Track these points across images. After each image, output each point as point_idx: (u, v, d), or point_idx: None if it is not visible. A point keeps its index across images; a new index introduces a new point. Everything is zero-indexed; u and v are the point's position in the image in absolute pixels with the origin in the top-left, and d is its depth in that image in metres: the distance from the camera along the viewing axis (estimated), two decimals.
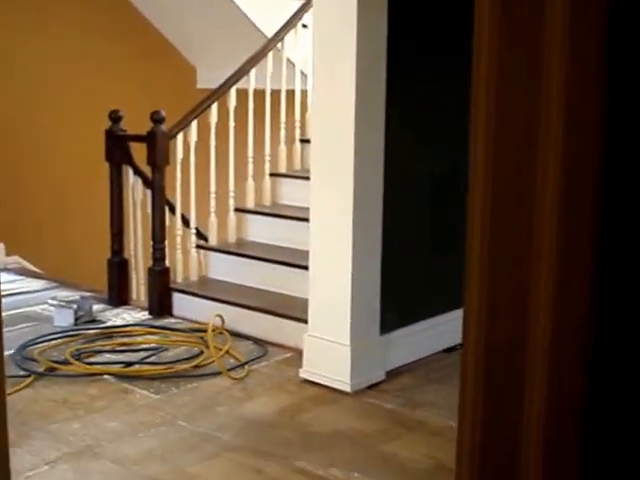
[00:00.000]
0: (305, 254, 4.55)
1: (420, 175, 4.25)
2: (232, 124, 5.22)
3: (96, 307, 5.12)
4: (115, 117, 5.13)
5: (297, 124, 5.60)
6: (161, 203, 5.04)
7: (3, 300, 5.41)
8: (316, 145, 4.00)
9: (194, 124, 5.08)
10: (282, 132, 5.52)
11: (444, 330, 4.43)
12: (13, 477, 3.10)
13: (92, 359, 4.33)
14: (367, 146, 3.87)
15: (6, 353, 4.33)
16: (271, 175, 5.53)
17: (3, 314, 5.16)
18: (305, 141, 5.63)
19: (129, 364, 4.26)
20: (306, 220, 4.71)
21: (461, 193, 4.46)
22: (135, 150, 5.15)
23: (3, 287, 5.72)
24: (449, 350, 4.48)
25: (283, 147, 5.57)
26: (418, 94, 4.15)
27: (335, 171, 3.90)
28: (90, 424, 3.59)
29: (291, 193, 5.49)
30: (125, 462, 3.24)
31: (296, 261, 4.80)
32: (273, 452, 3.32)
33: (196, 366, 4.24)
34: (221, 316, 4.62)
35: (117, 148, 5.13)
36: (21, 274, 6.08)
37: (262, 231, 5.35)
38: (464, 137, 4.01)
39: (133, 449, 3.35)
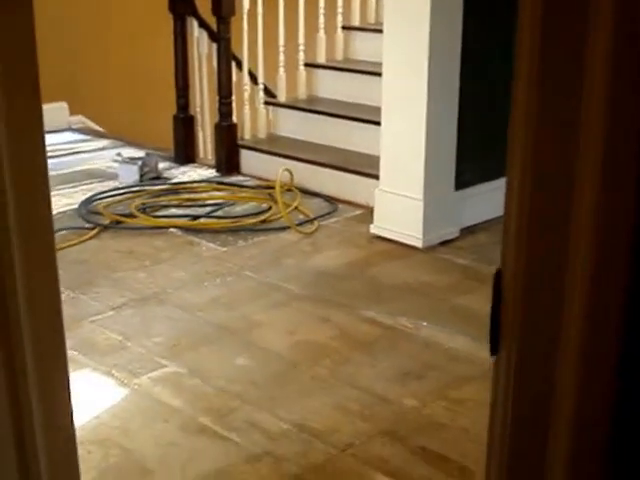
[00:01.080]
0: (378, 110, 4.51)
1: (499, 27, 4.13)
2: None
3: (162, 165, 5.18)
4: None
5: None
6: (227, 56, 5.01)
7: (67, 158, 5.51)
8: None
9: None
10: None
11: None
12: (79, 321, 3.24)
13: (158, 213, 4.41)
14: None
15: (70, 208, 4.47)
16: (343, 28, 5.43)
17: (67, 171, 5.27)
18: None
19: (196, 217, 4.32)
20: (379, 75, 4.65)
21: None
22: (200, 2, 5.10)
23: (67, 146, 5.82)
24: None
25: None
26: None
27: (410, 21, 3.81)
28: (156, 273, 3.68)
29: (364, 48, 5.39)
30: (190, 308, 3.33)
31: (368, 117, 4.76)
32: (341, 302, 3.37)
33: (264, 221, 4.29)
34: (289, 170, 4.63)
35: None
36: (86, 133, 6.17)
37: (333, 87, 5.29)
38: None
39: (199, 297, 3.44)
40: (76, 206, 4.49)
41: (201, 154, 5.43)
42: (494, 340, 1.05)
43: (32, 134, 1.20)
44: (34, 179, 1.23)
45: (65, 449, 1.45)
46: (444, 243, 3.99)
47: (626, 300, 0.89)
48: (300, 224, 4.24)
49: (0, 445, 1.27)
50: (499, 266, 1.05)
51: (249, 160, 5.12)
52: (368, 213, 4.29)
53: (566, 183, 0.90)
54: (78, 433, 2.51)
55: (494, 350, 1.06)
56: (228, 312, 3.30)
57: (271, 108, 5.30)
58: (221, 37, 4.97)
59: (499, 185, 4.25)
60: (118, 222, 4.26)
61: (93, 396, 2.73)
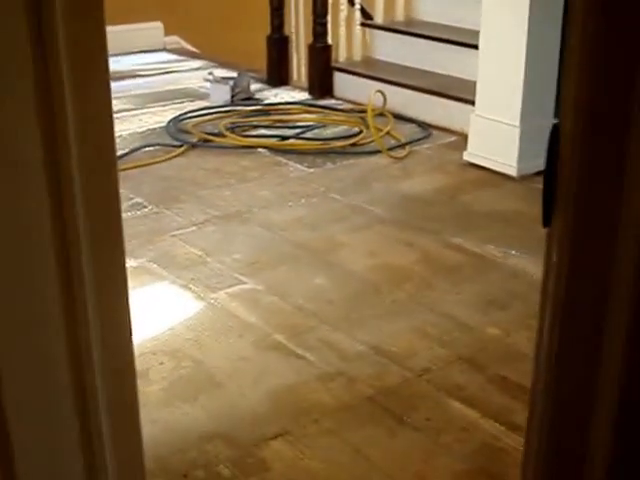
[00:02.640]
0: (479, 34, 4.35)
1: None
2: None
3: (254, 87, 5.12)
4: None
5: None
6: None
7: (160, 77, 5.50)
8: None
9: None
10: None
11: None
12: (161, 235, 3.24)
13: (247, 133, 4.36)
14: None
15: (159, 126, 4.46)
16: None
17: (159, 90, 5.27)
18: None
19: (284, 138, 4.27)
20: None
21: None
22: None
23: (161, 66, 5.82)
24: None
25: None
26: None
27: None
28: (241, 192, 3.64)
29: None
30: (273, 227, 3.29)
31: (468, 41, 4.60)
32: (427, 227, 3.28)
33: (354, 144, 4.21)
34: (382, 92, 4.52)
35: None
36: (180, 54, 6.15)
37: (434, 9, 5.13)
38: None
39: (282, 216, 3.39)
40: (165, 124, 4.48)
41: (294, 76, 5.35)
42: (548, 208, 0.95)
43: (95, 60, 1.15)
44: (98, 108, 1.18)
45: (123, 371, 1.39)
46: (540, 173, 3.84)
47: None
48: (391, 149, 4.14)
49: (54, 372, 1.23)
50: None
51: (343, 83, 5.02)
52: (462, 140, 4.17)
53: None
54: (151, 343, 2.53)
55: (547, 221, 0.96)
56: (310, 232, 3.25)
57: (367, 30, 5.18)
58: None
59: None
60: (206, 140, 4.23)
61: (169, 308, 2.72)
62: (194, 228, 3.29)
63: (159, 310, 2.71)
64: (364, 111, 4.53)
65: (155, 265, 2.98)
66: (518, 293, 2.77)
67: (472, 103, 4.09)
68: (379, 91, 4.50)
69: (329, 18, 5.00)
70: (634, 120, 0.82)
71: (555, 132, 0.92)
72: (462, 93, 4.39)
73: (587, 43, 0.86)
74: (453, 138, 4.32)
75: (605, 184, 0.87)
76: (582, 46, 0.87)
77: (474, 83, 4.09)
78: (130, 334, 1.34)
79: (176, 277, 2.90)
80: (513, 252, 3.04)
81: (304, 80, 5.26)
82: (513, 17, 3.73)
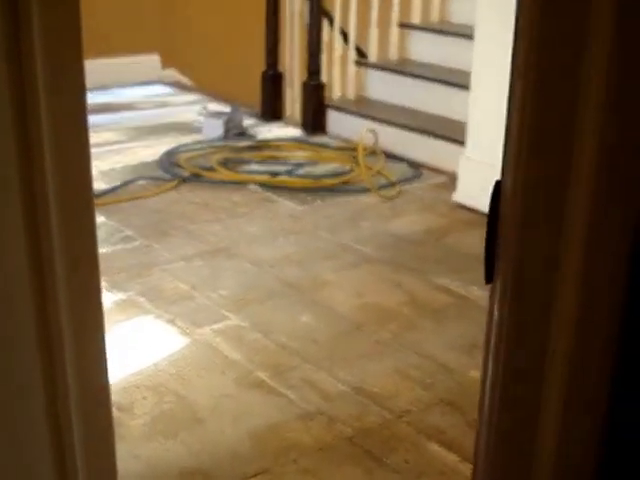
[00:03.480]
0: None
1: None
2: None
3: (248, 122, 5.16)
4: None
5: None
6: (318, 12, 4.95)
7: (155, 111, 5.54)
8: None
9: None
10: None
11: None
12: (149, 268, 3.26)
13: (238, 168, 4.40)
14: None
15: (152, 159, 4.49)
16: None
17: (153, 123, 5.31)
18: None
19: (276, 174, 4.30)
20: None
21: None
22: None
23: (156, 99, 5.86)
24: None
25: None
26: None
27: None
28: (230, 227, 3.67)
29: (463, 10, 5.26)
30: (261, 263, 3.31)
31: (461, 82, 4.65)
32: (415, 267, 3.30)
33: (345, 182, 4.24)
34: (373, 131, 4.56)
35: None
36: (175, 87, 6.20)
37: (427, 50, 5.19)
38: None
39: (271, 252, 3.41)
40: (158, 157, 4.51)
41: (288, 112, 5.39)
42: (490, 265, 0.98)
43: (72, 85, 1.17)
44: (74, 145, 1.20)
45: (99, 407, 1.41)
46: None
47: (633, 224, 0.82)
48: (381, 188, 4.18)
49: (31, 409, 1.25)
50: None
51: (336, 121, 5.06)
52: (453, 180, 4.21)
53: (570, 103, 0.84)
54: (135, 377, 2.54)
55: (489, 277, 0.98)
56: (298, 269, 3.27)
57: (361, 68, 5.23)
58: None
59: None
60: (198, 175, 4.26)
61: (154, 343, 2.74)
62: (183, 262, 3.31)
63: (144, 344, 2.73)
64: (355, 149, 4.58)
65: (142, 299, 3.00)
66: None
67: (462, 143, 4.14)
68: (370, 130, 4.54)
69: (323, 57, 5.05)
70: (571, 181, 0.85)
71: (497, 189, 0.95)
72: (453, 133, 4.44)
73: (525, 107, 0.89)
74: (443, 178, 4.36)
75: (542, 244, 0.90)
76: (521, 110, 0.90)
77: (465, 124, 4.14)
78: (105, 371, 1.37)
79: (163, 311, 2.92)
80: None
81: (297, 116, 5.30)
82: (504, 59, 3.77)
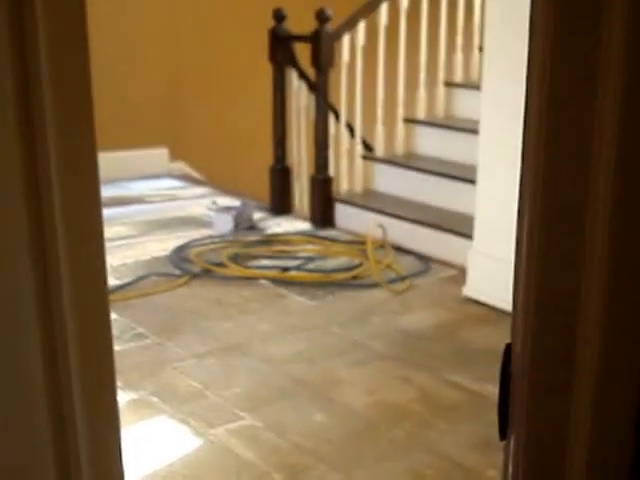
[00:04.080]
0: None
1: None
2: (403, 26, 5.15)
3: (257, 215, 5.23)
4: (279, 16, 5.15)
5: (476, 29, 5.46)
6: (324, 107, 5.05)
7: (164, 204, 5.62)
8: (489, 53, 3.89)
9: (361, 25, 5.03)
10: (459, 38, 5.41)
11: None
12: (162, 366, 3.27)
13: (249, 263, 4.44)
14: None
15: (163, 253, 4.54)
16: (446, 85, 5.44)
17: (163, 217, 5.37)
18: None
19: (286, 269, 4.34)
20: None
21: None
22: (299, 53, 5.18)
23: (165, 192, 5.94)
24: None
25: (460, 55, 5.46)
26: None
27: (509, 81, 3.78)
28: (242, 324, 3.69)
29: (467, 105, 5.38)
30: (273, 361, 3.32)
31: (467, 175, 4.72)
32: (425, 364, 3.32)
33: (355, 277, 4.28)
34: (383, 226, 4.61)
35: (280, 49, 5.17)
36: (184, 180, 6.28)
37: (433, 144, 5.29)
38: None
39: (282, 350, 3.43)
40: (168, 252, 4.56)
41: (297, 206, 5.46)
42: (503, 422, 1.01)
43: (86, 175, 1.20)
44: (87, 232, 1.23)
45: None
46: None
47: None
48: (391, 282, 4.21)
49: None
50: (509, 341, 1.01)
51: (344, 214, 5.13)
52: (462, 274, 4.24)
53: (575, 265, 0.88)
54: None
55: (503, 435, 1.02)
56: (310, 366, 3.28)
57: (368, 162, 5.32)
58: (319, 88, 5.02)
59: None
60: (209, 270, 4.31)
61: (168, 443, 2.74)
62: (195, 360, 3.33)
63: (158, 445, 2.73)
64: (364, 242, 4.63)
65: (155, 398, 3.01)
66: None
67: (470, 237, 4.18)
68: (380, 225, 4.60)
69: (330, 151, 5.14)
70: (578, 339, 0.89)
71: (508, 351, 1.00)
72: (461, 227, 4.49)
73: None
74: (453, 272, 4.39)
75: (555, 401, 0.93)
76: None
77: (473, 217, 4.19)
78: (122, 474, 1.37)
79: (176, 411, 2.92)
80: None
81: (306, 210, 5.37)
82: (509, 153, 3.83)
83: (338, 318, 3.78)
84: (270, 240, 4.84)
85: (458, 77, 5.49)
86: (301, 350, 3.43)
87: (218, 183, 6.03)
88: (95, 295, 1.24)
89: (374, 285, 4.18)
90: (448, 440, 2.76)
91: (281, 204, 5.39)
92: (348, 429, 2.83)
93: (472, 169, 4.75)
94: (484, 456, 2.66)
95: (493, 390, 3.06)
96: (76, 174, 1.17)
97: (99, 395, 1.31)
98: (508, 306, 3.79)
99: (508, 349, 0.99)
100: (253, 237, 4.87)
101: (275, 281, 4.20)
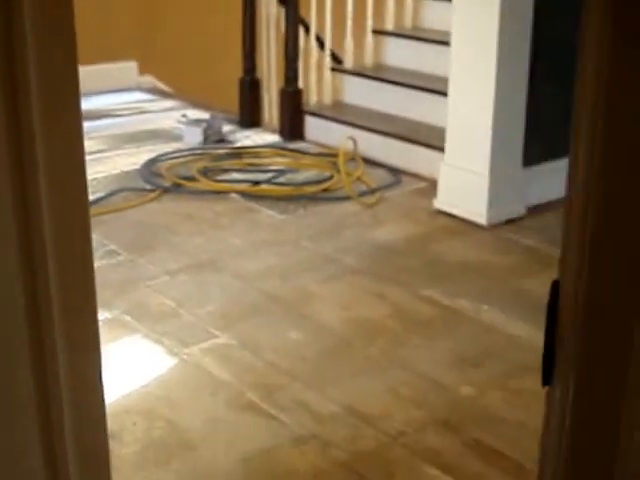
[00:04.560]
0: (446, 81, 4.30)
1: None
2: None
3: (226, 128, 5.03)
4: None
5: None
6: (295, 19, 4.82)
7: (134, 118, 5.40)
8: None
9: None
10: None
11: None
12: (134, 284, 3.13)
13: (219, 177, 4.27)
14: None
15: (133, 167, 4.36)
16: None
17: (132, 130, 5.17)
18: None
19: (256, 183, 4.18)
20: (449, 44, 4.43)
21: None
22: None
23: (134, 105, 5.72)
24: None
25: None
26: None
27: None
28: (213, 239, 3.55)
29: (434, 16, 5.16)
30: (246, 277, 3.19)
31: (437, 87, 4.55)
32: (398, 279, 3.20)
33: (325, 190, 4.13)
34: (353, 139, 4.45)
35: None
36: (153, 93, 6.05)
37: (402, 55, 5.08)
38: None
39: (254, 265, 3.30)
40: (138, 166, 4.38)
41: (266, 118, 5.27)
42: (547, 368, 0.87)
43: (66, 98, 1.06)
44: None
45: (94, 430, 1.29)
46: (509, 222, 3.79)
47: None
48: (362, 195, 4.07)
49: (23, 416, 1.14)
50: (556, 277, 0.87)
51: (313, 126, 4.94)
52: (432, 187, 4.11)
53: None
54: (124, 401, 2.42)
55: (547, 380, 0.88)
56: (283, 282, 3.16)
57: (337, 75, 5.12)
58: (289, 1, 4.79)
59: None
60: (179, 185, 4.13)
61: (142, 364, 2.62)
62: (167, 277, 3.19)
63: (132, 366, 2.61)
64: (335, 155, 4.47)
65: (129, 317, 2.87)
66: (491, 350, 2.69)
67: (441, 150, 4.04)
68: (350, 137, 4.43)
69: (300, 63, 4.93)
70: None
71: (555, 289, 0.84)
72: (431, 139, 4.34)
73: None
74: (423, 184, 4.26)
75: (609, 352, 0.79)
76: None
77: (443, 129, 4.04)
78: (102, 397, 1.26)
79: (149, 330, 2.79)
80: (485, 307, 2.96)
81: (275, 122, 5.18)
82: (481, 66, 3.67)
83: (309, 232, 3.64)
84: (240, 153, 4.66)
85: None
86: (273, 265, 3.30)
87: (187, 96, 5.80)
88: (76, 212, 1.12)
89: (345, 198, 4.03)
90: (423, 357, 2.65)
91: (250, 116, 5.19)
92: (323, 346, 2.72)
93: (441, 80, 4.58)
94: (459, 373, 2.57)
95: (466, 304, 2.97)
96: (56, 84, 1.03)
97: (79, 318, 1.22)
98: (478, 218, 3.72)
99: (555, 287, 0.84)
100: (223, 150, 4.69)
101: (246, 195, 4.05)
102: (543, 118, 3.86)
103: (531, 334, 2.78)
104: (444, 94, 4.27)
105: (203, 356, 2.64)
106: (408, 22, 5.20)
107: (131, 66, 6.14)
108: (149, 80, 6.21)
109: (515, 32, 3.63)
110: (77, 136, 1.10)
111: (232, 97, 5.24)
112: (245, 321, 2.86)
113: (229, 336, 2.76)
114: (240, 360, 2.63)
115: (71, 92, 1.07)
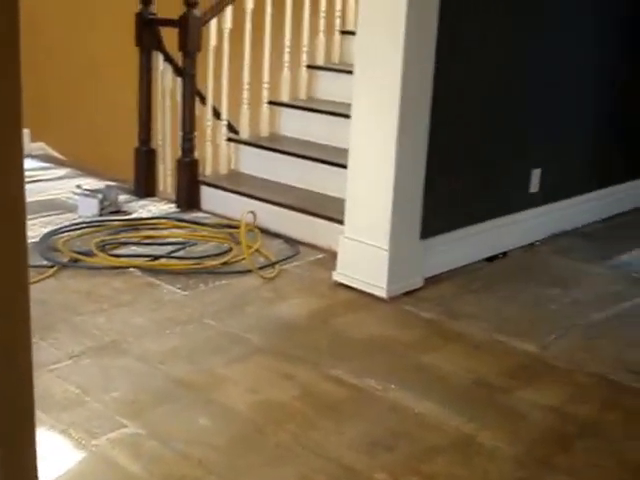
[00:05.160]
0: (341, 152, 4.36)
1: (475, 79, 4.00)
2: (269, 11, 4.96)
3: (122, 197, 4.97)
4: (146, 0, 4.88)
5: (338, 14, 5.33)
6: (191, 91, 4.82)
7: (27, 186, 5.27)
8: (362, 36, 3.73)
9: (229, 10, 4.82)
10: (322, 22, 5.26)
11: (486, 238, 4.27)
12: (37, 370, 2.99)
13: (117, 251, 4.20)
14: (417, 40, 3.61)
15: (29, 242, 4.23)
16: (308, 67, 5.29)
17: (26, 200, 5.04)
18: (346, 32, 5.39)
19: (156, 257, 4.11)
20: (343, 116, 4.51)
21: (517, 105, 4.23)
22: (166, 36, 4.92)
23: (27, 174, 5.56)
24: (490, 259, 4.31)
25: (322, 38, 5.32)
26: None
27: (382, 64, 3.65)
28: (115, 318, 3.47)
29: (328, 87, 5.26)
30: (150, 360, 3.12)
31: (331, 158, 4.61)
32: (304, 357, 3.19)
33: (225, 263, 4.10)
34: (254, 212, 4.44)
35: (147, 32, 4.90)
36: (46, 161, 5.92)
37: (296, 126, 5.14)
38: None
39: (159, 346, 3.23)
40: (35, 240, 4.26)
41: (161, 187, 5.22)
42: None
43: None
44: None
45: None
46: (408, 293, 3.84)
47: None
48: (262, 267, 4.06)
49: None
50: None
51: (210, 197, 4.93)
52: (330, 258, 4.14)
53: None
54: None
55: None
56: (190, 365, 3.10)
57: (233, 145, 5.12)
58: (186, 73, 4.79)
59: (463, 235, 4.14)
60: (77, 260, 4.04)
61: (49, 458, 2.51)
62: (70, 362, 3.09)
63: (40, 461, 2.50)
64: (232, 226, 4.47)
65: None
66: (402, 431, 2.69)
67: (338, 221, 4.08)
68: (251, 212, 4.42)
69: (196, 133, 4.91)
70: None
71: None
72: (327, 210, 4.38)
73: None
74: (321, 255, 4.28)
75: None
76: None
77: (339, 200, 4.08)
78: None
79: (55, 421, 2.69)
80: (393, 386, 2.97)
81: (171, 191, 5.14)
82: (382, 138, 3.70)
83: (212, 308, 3.60)
84: (138, 225, 4.59)
85: (320, 60, 5.35)
86: (179, 346, 3.24)
87: (82, 164, 5.70)
88: None
89: (245, 271, 4.01)
90: (335, 441, 2.64)
91: (146, 186, 5.14)
92: (234, 433, 2.67)
93: (333, 151, 4.67)
94: (372, 457, 2.56)
95: (373, 383, 2.97)
96: None
97: None
98: (379, 291, 3.77)
99: None
100: (120, 222, 4.61)
101: (145, 270, 3.98)
102: (441, 190, 3.94)
103: (437, 413, 2.81)
104: (337, 165, 4.35)
105: (112, 447, 2.56)
106: (303, 93, 5.26)
107: (23, 133, 6.00)
108: (41, 146, 6.08)
109: (416, 105, 3.69)
110: None
111: (127, 165, 5.18)
112: (153, 408, 2.79)
113: (137, 425, 2.69)
114: (150, 451, 2.56)
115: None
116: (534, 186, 4.53)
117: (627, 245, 4.72)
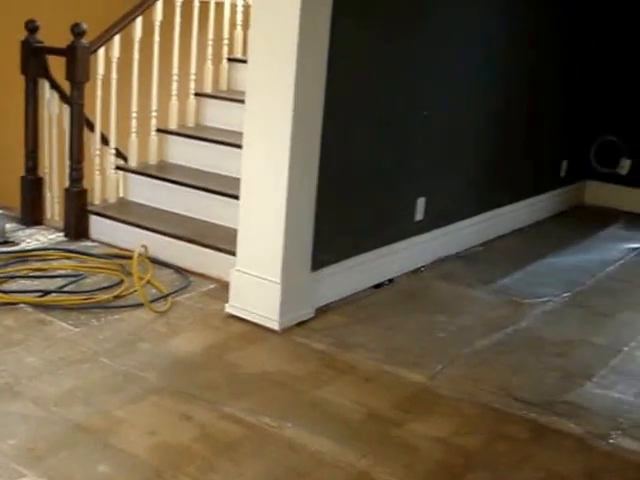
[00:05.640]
0: (228, 180, 4.42)
1: (363, 112, 4.10)
2: (157, 39, 4.95)
3: (8, 226, 4.87)
4: (32, 27, 4.80)
5: (225, 41, 5.36)
6: (79, 121, 4.77)
7: None
8: (253, 66, 3.76)
9: (117, 39, 4.79)
10: (209, 49, 5.29)
11: (373, 266, 4.38)
12: None
13: (6, 286, 4.12)
14: (310, 68, 3.66)
15: None
16: (196, 95, 5.31)
17: None
18: (233, 60, 5.43)
19: (46, 293, 4.05)
20: (230, 145, 4.57)
21: (402, 137, 4.35)
22: (54, 65, 4.85)
23: None
24: (378, 286, 4.42)
25: (210, 66, 5.34)
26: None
27: (272, 95, 3.68)
28: (7, 359, 3.41)
29: (216, 115, 5.29)
30: (45, 403, 3.08)
31: (219, 188, 4.65)
32: (201, 396, 3.21)
33: (117, 296, 4.08)
34: (145, 246, 4.42)
35: (33, 60, 4.82)
36: None
37: (184, 153, 5.15)
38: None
39: (54, 388, 3.20)
40: None
41: (49, 216, 5.14)
42: None
43: None
44: None
45: None
46: (300, 324, 3.91)
47: None
48: (153, 300, 4.05)
49: None
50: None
51: (98, 225, 4.88)
52: (221, 288, 4.17)
53: None
54: None
55: None
56: (86, 407, 3.08)
57: (122, 173, 5.09)
58: (74, 102, 4.73)
59: (351, 264, 4.23)
60: None
61: None
62: None
63: None
64: (122, 256, 4.46)
65: None
66: (300, 470, 2.75)
67: (228, 252, 4.12)
68: (144, 246, 4.40)
69: (84, 163, 4.86)
70: None
71: None
72: (216, 241, 4.41)
73: None
74: (212, 285, 4.31)
75: None
76: None
77: (227, 229, 4.12)
78: None
79: None
80: (289, 424, 3.02)
81: (58, 219, 5.08)
82: (273, 170, 3.73)
83: (106, 346, 3.58)
84: (26, 256, 4.51)
85: (208, 87, 5.37)
86: (74, 388, 3.21)
87: None
88: None
89: (137, 305, 4.00)
90: None
91: (33, 215, 5.05)
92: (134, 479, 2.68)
93: (221, 179, 4.71)
94: None
95: (269, 421, 3.02)
96: None
97: None
98: (271, 324, 3.82)
99: None
100: (7, 254, 4.52)
101: (36, 306, 3.92)
102: (331, 222, 4.02)
103: (333, 449, 2.88)
104: (225, 195, 4.40)
105: None
106: (191, 121, 5.28)
107: None
108: None
109: (307, 137, 3.75)
110: None
111: (14, 194, 5.09)
112: (52, 455, 2.76)
113: (37, 473, 2.65)
114: None
115: None
116: (419, 214, 4.67)
117: (506, 269, 4.92)
